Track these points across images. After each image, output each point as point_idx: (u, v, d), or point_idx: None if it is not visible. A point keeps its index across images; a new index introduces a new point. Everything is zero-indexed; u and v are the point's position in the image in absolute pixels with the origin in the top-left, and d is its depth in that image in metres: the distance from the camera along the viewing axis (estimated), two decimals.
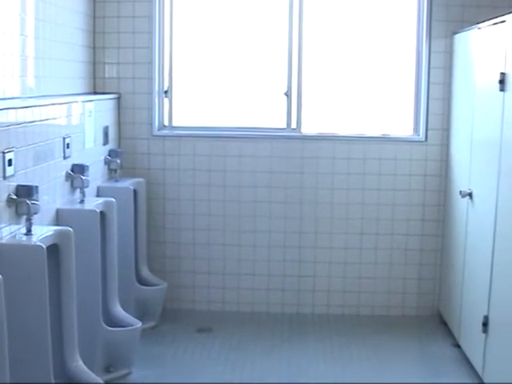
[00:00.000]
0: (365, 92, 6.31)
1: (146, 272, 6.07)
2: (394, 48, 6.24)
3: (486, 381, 4.78)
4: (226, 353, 5.49)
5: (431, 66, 6.12)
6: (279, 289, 6.39)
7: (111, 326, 4.85)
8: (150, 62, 6.17)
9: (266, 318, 6.31)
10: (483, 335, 4.81)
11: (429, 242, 6.33)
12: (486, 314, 4.78)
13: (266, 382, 5.03)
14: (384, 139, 6.27)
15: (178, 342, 5.68)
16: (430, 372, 5.28)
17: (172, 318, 6.16)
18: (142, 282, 5.93)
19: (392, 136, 6.29)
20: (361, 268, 6.36)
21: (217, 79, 6.32)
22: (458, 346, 5.57)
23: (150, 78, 6.19)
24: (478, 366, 4.97)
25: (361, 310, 6.41)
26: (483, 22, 5.09)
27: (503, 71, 4.54)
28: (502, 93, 4.55)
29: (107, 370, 4.87)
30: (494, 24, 4.79)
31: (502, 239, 4.56)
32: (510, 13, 4.47)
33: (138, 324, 5.04)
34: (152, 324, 5.90)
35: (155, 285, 6.00)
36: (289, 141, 6.23)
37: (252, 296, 6.40)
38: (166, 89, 6.28)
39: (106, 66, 6.21)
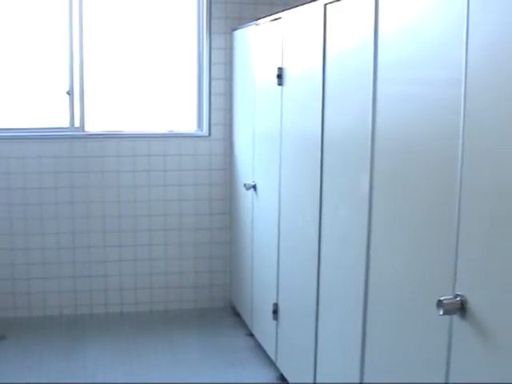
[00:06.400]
0: (149, 89, 6.33)
1: None
2: (175, 45, 6.30)
3: (279, 365, 4.96)
4: (20, 359, 5.36)
5: (212, 61, 6.24)
6: (71, 290, 6.29)
7: None
8: None
9: (60, 320, 6.19)
10: (274, 322, 4.97)
11: (217, 235, 6.46)
12: (275, 301, 4.95)
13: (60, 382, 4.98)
14: (168, 135, 6.33)
15: None
16: (226, 362, 5.38)
17: None
18: None
19: (176, 132, 6.37)
20: (151, 264, 6.39)
21: None
22: (251, 334, 5.72)
23: None
24: (270, 352, 5.13)
25: (154, 306, 6.44)
26: (261, 18, 5.25)
27: (280, 66, 4.70)
28: (279, 87, 4.71)
29: None
30: (271, 21, 4.94)
31: (285, 228, 4.73)
32: (285, 10, 4.63)
33: None
34: None
35: None
36: (72, 140, 6.13)
37: (43, 300, 6.26)
38: None
39: None
